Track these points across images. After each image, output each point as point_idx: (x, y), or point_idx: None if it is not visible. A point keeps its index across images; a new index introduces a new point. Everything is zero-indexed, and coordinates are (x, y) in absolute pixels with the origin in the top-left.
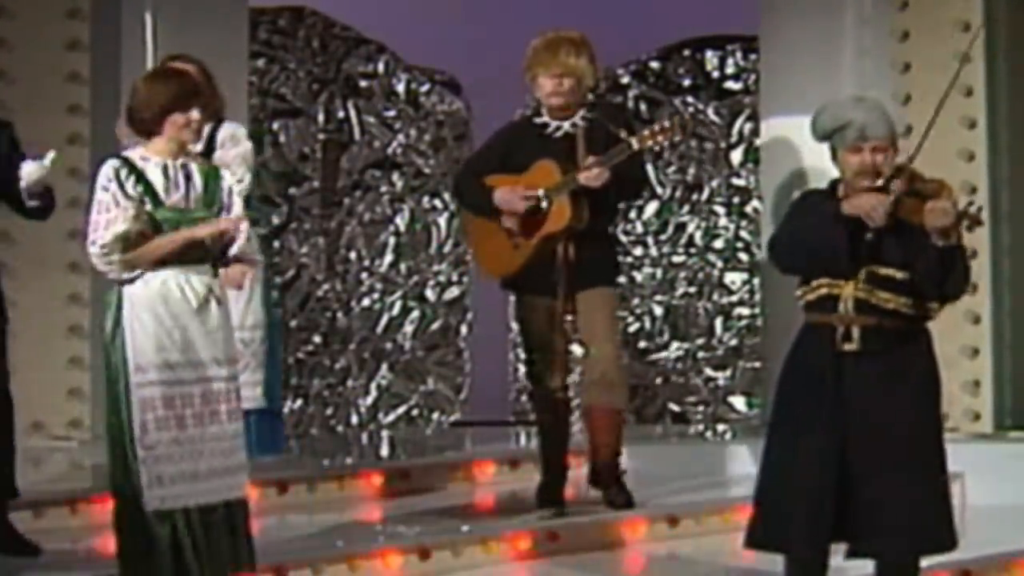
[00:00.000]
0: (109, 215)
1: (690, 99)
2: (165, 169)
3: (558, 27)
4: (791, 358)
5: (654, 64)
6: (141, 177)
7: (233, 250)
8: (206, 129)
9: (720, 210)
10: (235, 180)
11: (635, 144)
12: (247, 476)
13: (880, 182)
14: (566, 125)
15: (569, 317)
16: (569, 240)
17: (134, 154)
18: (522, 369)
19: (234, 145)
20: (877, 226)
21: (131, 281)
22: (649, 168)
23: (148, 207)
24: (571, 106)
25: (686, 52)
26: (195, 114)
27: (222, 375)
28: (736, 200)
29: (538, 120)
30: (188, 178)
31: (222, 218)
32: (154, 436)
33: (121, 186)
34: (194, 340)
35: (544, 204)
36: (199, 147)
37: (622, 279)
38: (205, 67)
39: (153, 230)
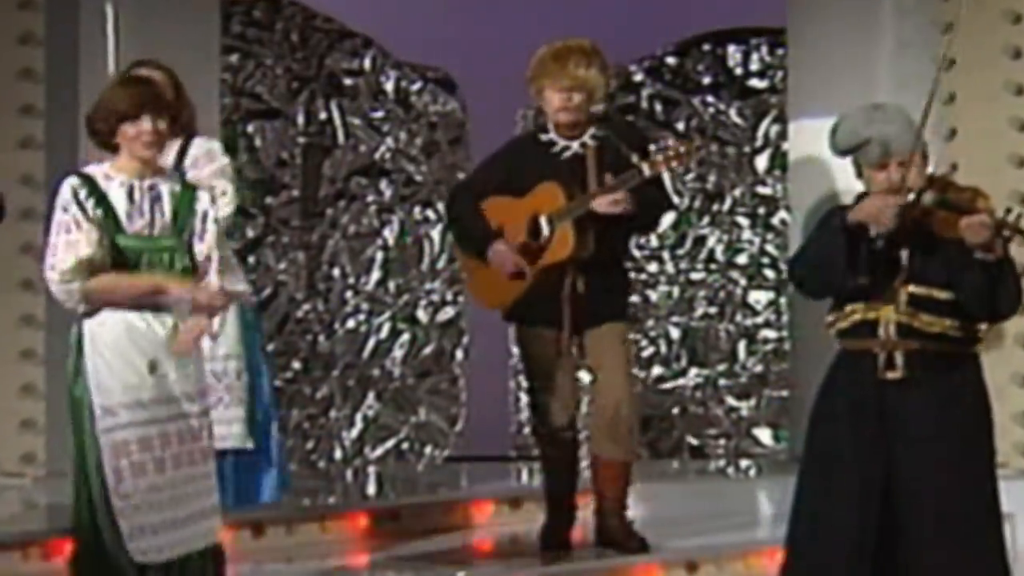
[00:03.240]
0: (70, 237)
1: (710, 99)
2: (131, 191)
3: (562, 31)
4: (826, 387)
5: (670, 60)
6: (103, 199)
7: (212, 287)
8: (176, 145)
9: (743, 222)
10: (219, 194)
11: (646, 170)
12: (219, 519)
13: (911, 197)
14: (575, 145)
15: (575, 352)
16: (576, 270)
17: (97, 171)
18: (524, 398)
19: (209, 162)
20: (887, 231)
21: (90, 314)
22: (665, 176)
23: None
24: (581, 123)
25: (706, 47)
26: (146, 124)
27: (195, 411)
28: (761, 211)
29: (544, 138)
30: (156, 201)
31: (200, 288)
32: (130, 484)
33: (81, 207)
34: (167, 374)
35: (546, 231)
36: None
37: (635, 298)
38: (175, 75)
39: (116, 258)
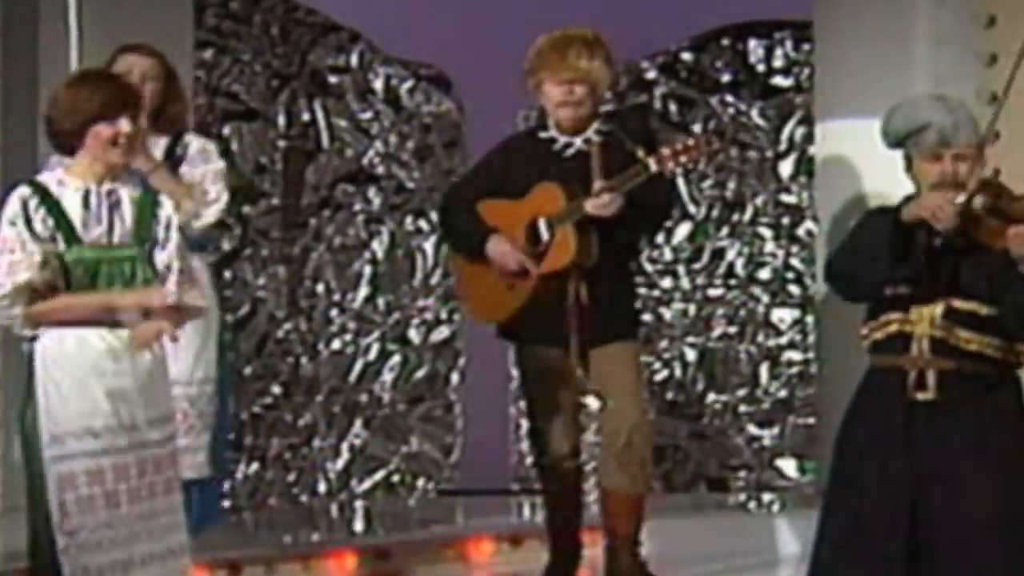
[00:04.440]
0: (13, 257)
1: (730, 98)
2: (86, 197)
3: (566, 23)
4: (853, 409)
5: (686, 56)
6: (55, 208)
7: (168, 298)
8: (163, 142)
9: (766, 233)
10: (211, 200)
11: (653, 166)
12: (188, 558)
13: (962, 197)
14: (578, 141)
15: (580, 373)
16: (580, 280)
17: (51, 178)
18: (524, 427)
19: (204, 162)
20: (945, 229)
21: (39, 336)
22: (681, 183)
23: (61, 246)
24: (583, 118)
25: (725, 41)
26: (124, 126)
27: (155, 438)
28: (785, 221)
29: (544, 135)
30: (115, 207)
31: (151, 290)
32: (76, 520)
33: (28, 222)
34: (126, 398)
35: (545, 235)
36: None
37: (647, 317)
38: (167, 63)
39: (64, 276)
